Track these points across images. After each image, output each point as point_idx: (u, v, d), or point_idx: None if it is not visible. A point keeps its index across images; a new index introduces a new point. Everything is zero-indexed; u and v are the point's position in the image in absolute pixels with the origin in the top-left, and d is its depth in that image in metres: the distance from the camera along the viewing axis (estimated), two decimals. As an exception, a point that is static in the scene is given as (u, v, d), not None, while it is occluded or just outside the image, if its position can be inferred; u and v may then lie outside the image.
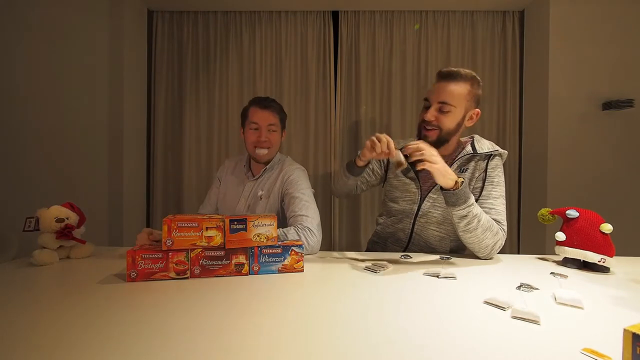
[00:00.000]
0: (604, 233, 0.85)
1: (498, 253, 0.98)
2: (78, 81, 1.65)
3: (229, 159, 1.39)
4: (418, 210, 1.08)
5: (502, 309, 0.59)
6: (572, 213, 0.90)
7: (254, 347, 0.46)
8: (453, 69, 0.99)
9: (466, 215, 0.90)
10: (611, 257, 0.84)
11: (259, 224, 0.81)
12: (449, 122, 1.00)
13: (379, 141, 0.92)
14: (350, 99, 1.97)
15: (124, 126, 1.76)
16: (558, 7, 1.73)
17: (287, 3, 1.89)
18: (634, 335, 0.35)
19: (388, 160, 1.19)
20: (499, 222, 0.96)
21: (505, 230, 0.97)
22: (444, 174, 0.87)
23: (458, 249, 1.12)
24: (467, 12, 1.94)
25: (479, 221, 0.90)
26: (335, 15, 1.97)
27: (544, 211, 0.99)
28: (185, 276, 0.77)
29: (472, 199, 0.91)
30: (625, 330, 0.36)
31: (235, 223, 0.80)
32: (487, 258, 0.96)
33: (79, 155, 1.65)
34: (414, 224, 1.10)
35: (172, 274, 0.76)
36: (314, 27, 1.96)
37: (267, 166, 1.23)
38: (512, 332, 0.51)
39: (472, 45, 1.95)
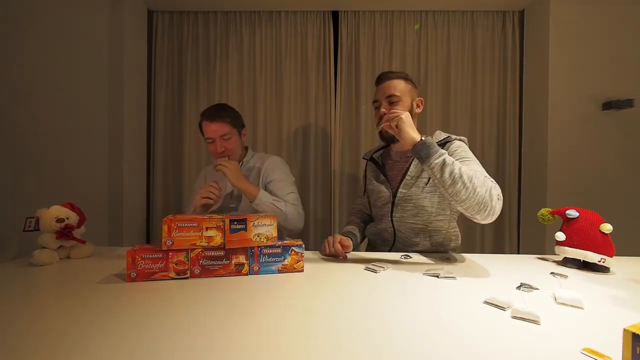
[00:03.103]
0: (604, 233, 0.85)
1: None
2: (78, 81, 1.65)
3: (205, 168, 1.48)
4: (392, 207, 1.13)
5: (502, 309, 0.59)
6: (572, 213, 0.90)
7: (254, 347, 0.46)
8: (388, 71, 1.15)
9: (445, 163, 0.84)
10: (611, 257, 0.84)
11: (259, 224, 0.81)
12: (401, 110, 1.07)
13: (329, 244, 1.00)
14: (350, 99, 1.97)
15: (124, 126, 1.76)
16: (558, 7, 1.73)
17: (287, 3, 1.89)
18: (634, 335, 0.35)
19: (365, 173, 1.31)
20: (485, 177, 0.90)
21: (494, 182, 0.89)
22: (407, 124, 0.90)
23: (438, 244, 1.11)
24: (467, 12, 1.94)
25: (460, 168, 0.84)
26: (335, 15, 1.97)
27: (544, 211, 0.99)
28: (185, 276, 0.77)
29: (445, 152, 0.88)
30: (625, 330, 0.36)
31: (235, 223, 0.80)
32: (491, 217, 0.85)
33: (79, 155, 1.65)
34: (392, 221, 1.13)
35: (172, 274, 0.76)
36: (314, 27, 1.96)
37: (242, 164, 1.33)
38: (512, 332, 0.51)
39: (472, 45, 1.95)
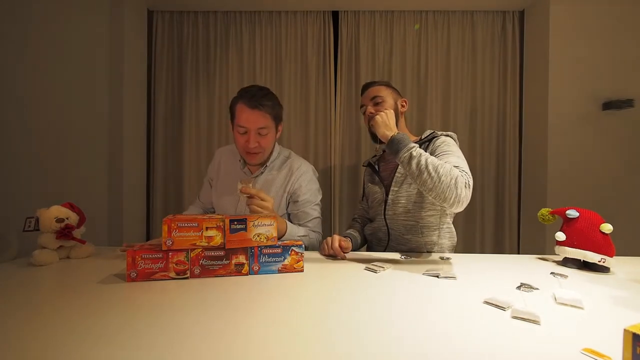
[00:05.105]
0: (604, 233, 0.85)
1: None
2: (78, 81, 1.65)
3: (220, 151, 1.27)
4: (385, 206, 1.16)
5: (502, 309, 0.59)
6: (572, 213, 0.90)
7: (253, 347, 0.46)
8: (369, 81, 1.29)
9: (412, 156, 0.89)
10: (611, 257, 0.84)
11: (259, 224, 0.81)
12: (386, 109, 1.13)
13: (327, 245, 1.01)
14: (350, 99, 1.97)
15: (124, 126, 1.76)
16: (558, 7, 1.73)
17: (287, 3, 1.89)
18: (634, 335, 0.35)
19: (364, 179, 1.36)
20: (456, 167, 0.92)
21: (468, 173, 0.91)
22: (380, 124, 0.99)
23: (432, 243, 1.11)
24: (467, 12, 1.94)
25: (426, 159, 0.88)
26: (335, 15, 1.97)
27: (544, 211, 0.99)
28: (185, 276, 0.77)
29: (415, 145, 0.92)
30: (625, 331, 0.36)
31: (235, 223, 0.80)
32: (455, 204, 0.87)
33: (79, 155, 1.65)
34: (385, 219, 1.16)
35: (172, 274, 0.76)
36: (314, 27, 1.96)
37: (267, 164, 1.18)
38: (512, 332, 0.51)
39: (472, 45, 1.95)
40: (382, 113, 1.01)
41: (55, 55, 1.57)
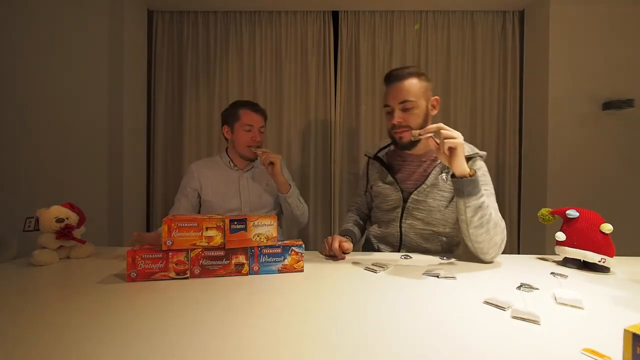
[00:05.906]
0: (604, 233, 0.85)
1: (502, 253, 0.96)
2: (78, 81, 1.65)
3: (196, 165, 1.39)
4: (402, 213, 1.07)
5: (502, 309, 0.59)
6: (572, 213, 0.90)
7: (253, 347, 0.46)
8: (398, 68, 1.04)
9: (481, 206, 0.86)
10: (611, 257, 0.83)
11: (259, 224, 0.81)
12: (415, 117, 1.01)
13: (328, 244, 0.98)
14: (350, 99, 1.97)
15: (123, 126, 1.76)
16: (558, 7, 1.73)
17: (287, 3, 1.89)
18: (634, 335, 0.35)
19: (367, 171, 1.22)
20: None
21: (501, 219, 0.92)
22: (461, 154, 0.86)
23: (450, 246, 1.10)
24: (467, 12, 1.94)
25: (490, 213, 0.86)
26: (335, 15, 1.98)
27: (544, 211, 0.99)
28: (185, 276, 0.77)
29: (483, 191, 0.89)
30: (625, 331, 0.36)
31: (235, 223, 0.80)
32: (492, 260, 0.91)
33: (79, 156, 1.65)
34: (400, 227, 1.08)
35: (172, 274, 0.76)
36: (314, 27, 1.96)
37: (254, 163, 1.38)
38: (512, 332, 0.51)
39: (472, 45, 1.95)
40: (461, 138, 0.86)
41: (55, 55, 1.57)
